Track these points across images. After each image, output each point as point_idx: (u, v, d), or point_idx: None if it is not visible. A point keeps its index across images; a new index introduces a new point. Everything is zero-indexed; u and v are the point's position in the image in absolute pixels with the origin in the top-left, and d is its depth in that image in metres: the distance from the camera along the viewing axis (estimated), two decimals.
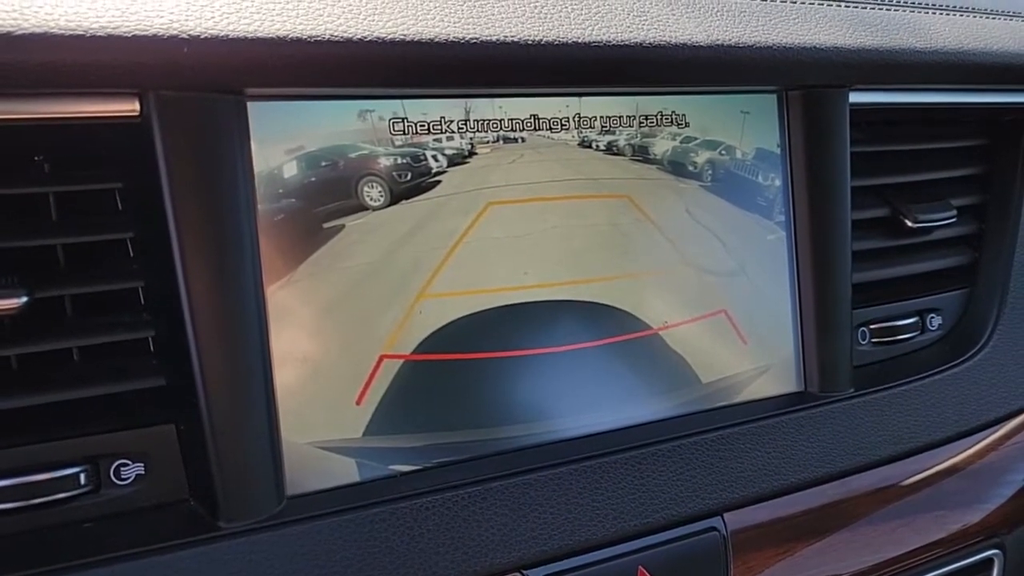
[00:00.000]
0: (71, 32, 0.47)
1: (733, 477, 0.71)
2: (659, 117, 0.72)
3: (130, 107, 0.53)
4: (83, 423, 0.56)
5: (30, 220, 0.55)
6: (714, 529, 0.69)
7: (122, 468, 0.57)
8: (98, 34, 0.48)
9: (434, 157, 0.64)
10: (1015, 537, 0.88)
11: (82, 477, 0.55)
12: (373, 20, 0.55)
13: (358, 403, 0.62)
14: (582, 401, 0.69)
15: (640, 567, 0.66)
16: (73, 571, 0.52)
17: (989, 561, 0.85)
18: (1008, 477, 0.88)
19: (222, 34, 0.51)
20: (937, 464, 0.83)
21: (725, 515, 0.70)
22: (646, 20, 0.65)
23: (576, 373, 0.69)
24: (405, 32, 0.56)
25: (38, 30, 0.47)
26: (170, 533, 0.55)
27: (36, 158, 0.55)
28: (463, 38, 0.58)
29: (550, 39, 0.60)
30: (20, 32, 0.46)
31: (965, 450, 0.85)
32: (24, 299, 0.52)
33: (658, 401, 0.72)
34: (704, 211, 0.74)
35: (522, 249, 0.67)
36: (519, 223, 0.67)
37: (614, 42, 0.63)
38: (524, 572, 0.62)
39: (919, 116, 0.90)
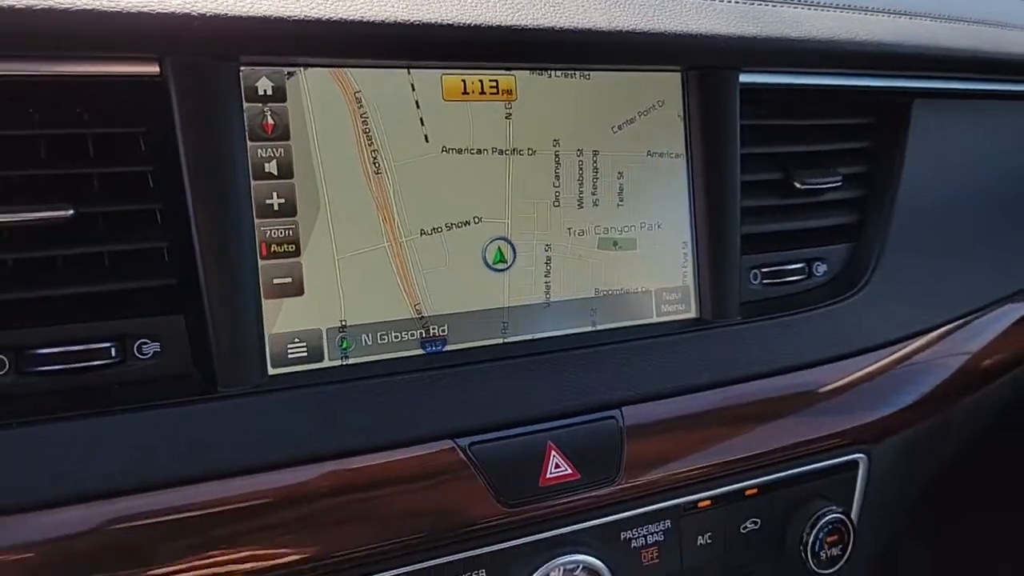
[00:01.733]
0: (111, 9, 0.62)
1: (632, 379, 0.85)
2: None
3: (152, 70, 0.68)
4: (113, 311, 0.70)
5: (74, 155, 0.70)
6: (612, 419, 0.83)
7: (143, 346, 0.71)
8: (131, 10, 0.63)
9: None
10: (881, 447, 1.01)
11: (112, 350, 0.70)
12: (338, 5, 0.70)
13: (326, 300, 0.76)
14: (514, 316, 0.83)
15: (549, 442, 0.80)
16: (107, 415, 0.66)
17: (855, 463, 0.98)
18: (879, 399, 1.00)
19: (221, 12, 0.66)
20: (813, 381, 0.95)
21: (623, 408, 0.83)
22: (569, 10, 0.79)
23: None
24: (362, 15, 0.70)
25: (88, 6, 0.61)
26: (180, 394, 0.70)
27: (78, 109, 0.70)
28: (408, 20, 0.72)
29: (480, 23, 0.75)
30: (76, 8, 0.61)
31: (841, 372, 0.98)
32: (71, 212, 0.67)
33: (577, 318, 0.86)
34: (624, 161, 0.88)
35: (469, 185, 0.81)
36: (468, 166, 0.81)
37: (539, 26, 0.77)
38: (455, 440, 0.76)
39: (814, 96, 1.03)
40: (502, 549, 0.78)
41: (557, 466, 0.78)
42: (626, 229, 0.89)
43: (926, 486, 1.13)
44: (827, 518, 0.91)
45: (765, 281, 0.99)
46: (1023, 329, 1.17)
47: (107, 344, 0.69)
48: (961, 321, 1.10)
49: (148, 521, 0.65)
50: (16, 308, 0.66)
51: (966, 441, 1.14)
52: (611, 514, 0.83)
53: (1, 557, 0.61)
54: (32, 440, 0.63)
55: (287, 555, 0.69)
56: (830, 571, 0.93)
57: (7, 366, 0.66)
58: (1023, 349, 1.18)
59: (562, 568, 0.79)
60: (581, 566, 0.80)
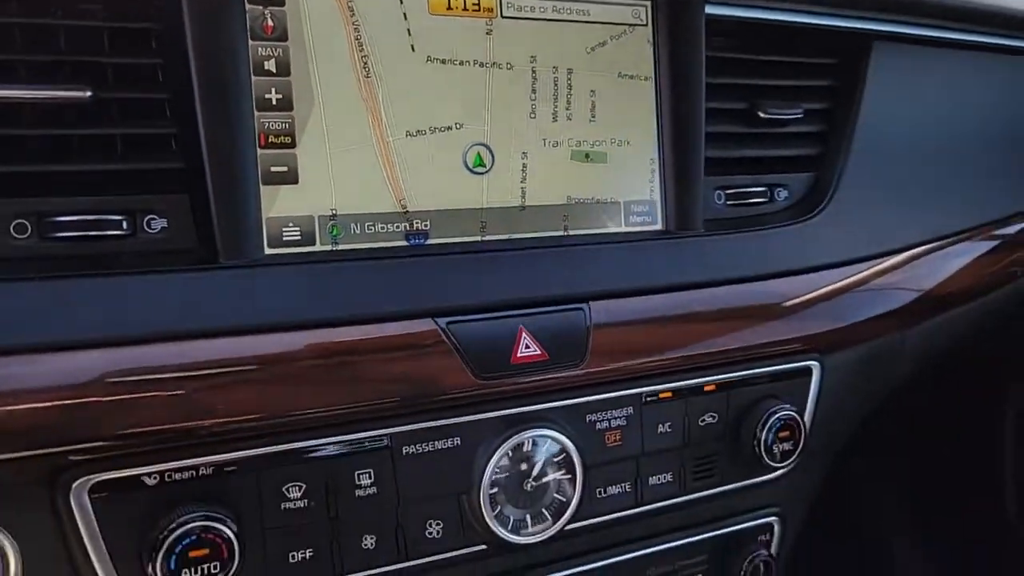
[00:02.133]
0: None
1: (600, 277, 0.91)
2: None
3: None
4: (124, 188, 0.77)
5: (92, 46, 0.77)
6: (580, 310, 0.90)
7: (151, 221, 0.78)
8: None
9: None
10: (835, 357, 1.08)
11: (124, 223, 0.76)
12: None
13: (318, 190, 0.83)
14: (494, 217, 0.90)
15: (521, 326, 0.86)
16: (118, 276, 0.73)
17: (808, 369, 1.05)
18: (834, 312, 1.06)
19: None
20: (772, 291, 1.01)
21: (591, 303, 0.90)
22: None
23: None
24: None
25: None
26: (184, 264, 0.77)
27: (95, 4, 0.77)
28: None
29: None
30: None
31: (798, 285, 1.04)
32: (88, 94, 0.74)
33: (550, 222, 0.93)
34: (597, 81, 0.94)
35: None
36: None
37: None
38: (434, 319, 0.83)
39: (780, 33, 1.09)
40: (476, 420, 0.85)
41: (527, 347, 0.85)
42: (597, 143, 0.96)
43: (878, 404, 1.19)
44: (780, 415, 0.98)
45: (729, 202, 1.05)
46: (980, 266, 1.24)
47: (119, 217, 0.76)
48: (919, 251, 1.16)
49: (150, 368, 0.71)
50: (37, 179, 0.73)
51: (919, 365, 1.20)
52: (577, 397, 0.90)
53: (17, 387, 0.67)
54: (50, 292, 0.70)
55: (272, 408, 0.75)
56: (782, 465, 1.00)
57: (29, 230, 0.73)
58: (979, 285, 1.25)
59: (531, 440, 0.86)
60: (549, 441, 0.87)
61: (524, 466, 0.87)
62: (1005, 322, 1.40)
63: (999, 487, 1.98)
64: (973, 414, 1.99)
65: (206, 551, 0.72)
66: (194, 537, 0.72)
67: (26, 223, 0.73)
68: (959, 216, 1.21)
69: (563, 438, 0.87)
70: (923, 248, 1.16)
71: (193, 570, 0.72)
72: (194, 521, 0.72)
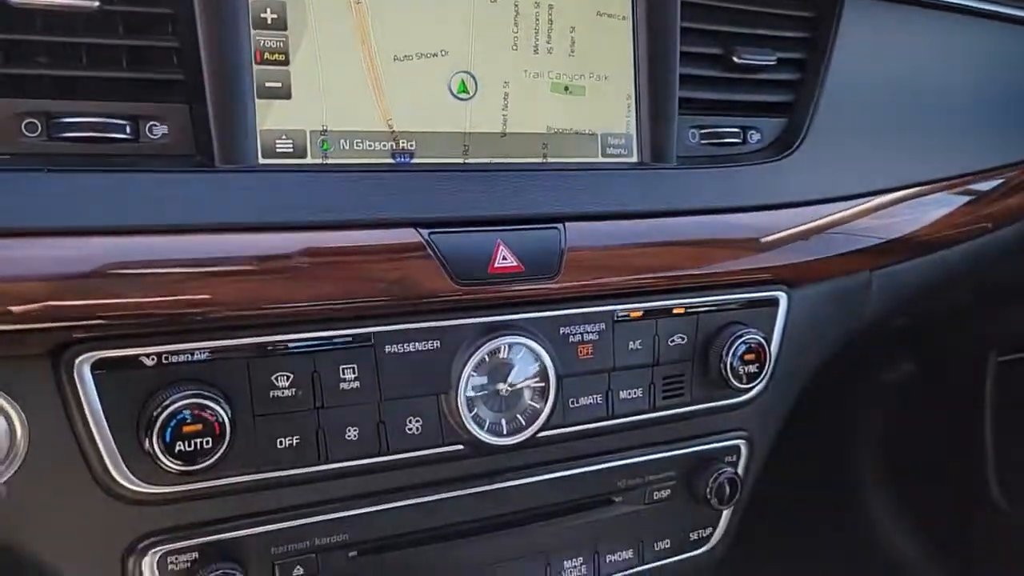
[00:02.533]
0: None
1: (576, 200, 0.95)
2: None
3: None
4: (129, 95, 0.82)
5: None
6: (556, 229, 0.94)
7: (153, 127, 0.83)
8: None
9: None
10: (803, 291, 1.12)
11: (127, 128, 0.81)
12: None
13: (310, 106, 0.88)
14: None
15: (498, 240, 0.91)
16: (121, 172, 0.78)
17: (775, 299, 1.10)
18: (803, 247, 1.11)
19: None
20: (743, 223, 1.06)
21: (566, 223, 0.95)
22: None
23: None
24: None
25: None
26: (185, 167, 0.82)
27: None
28: None
29: None
30: None
31: (769, 220, 1.08)
32: (96, 4, 0.79)
33: (529, 149, 0.98)
34: (576, 18, 0.99)
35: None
36: None
37: None
38: (417, 228, 0.88)
39: None
40: (454, 325, 0.90)
41: (504, 258, 0.90)
42: (576, 77, 1.01)
43: (844, 342, 1.23)
44: (746, 339, 1.02)
45: (703, 141, 1.10)
46: (951, 216, 1.28)
47: (123, 122, 0.81)
48: (890, 197, 1.20)
49: (149, 256, 0.77)
50: (48, 81, 0.78)
51: (886, 307, 1.25)
52: (552, 310, 0.94)
53: (26, 266, 0.72)
54: (58, 183, 0.75)
55: (263, 300, 0.80)
56: (748, 387, 1.04)
57: (39, 129, 0.78)
58: (949, 235, 1.29)
59: (507, 347, 0.91)
60: (524, 349, 0.92)
61: (500, 372, 0.91)
62: (973, 279, 1.44)
63: (979, 455, 2.02)
64: (955, 382, 2.03)
65: (199, 427, 0.77)
66: (188, 413, 0.77)
67: (36, 122, 0.78)
68: (932, 166, 1.25)
69: (537, 347, 0.92)
70: (895, 195, 1.20)
71: (187, 444, 0.77)
72: (188, 399, 0.77)
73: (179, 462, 0.77)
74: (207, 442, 0.78)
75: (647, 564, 1.08)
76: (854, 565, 2.23)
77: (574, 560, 1.03)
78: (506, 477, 0.97)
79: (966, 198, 1.29)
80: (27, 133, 0.78)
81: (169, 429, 0.76)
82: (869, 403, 2.20)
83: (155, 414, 0.76)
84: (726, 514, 1.13)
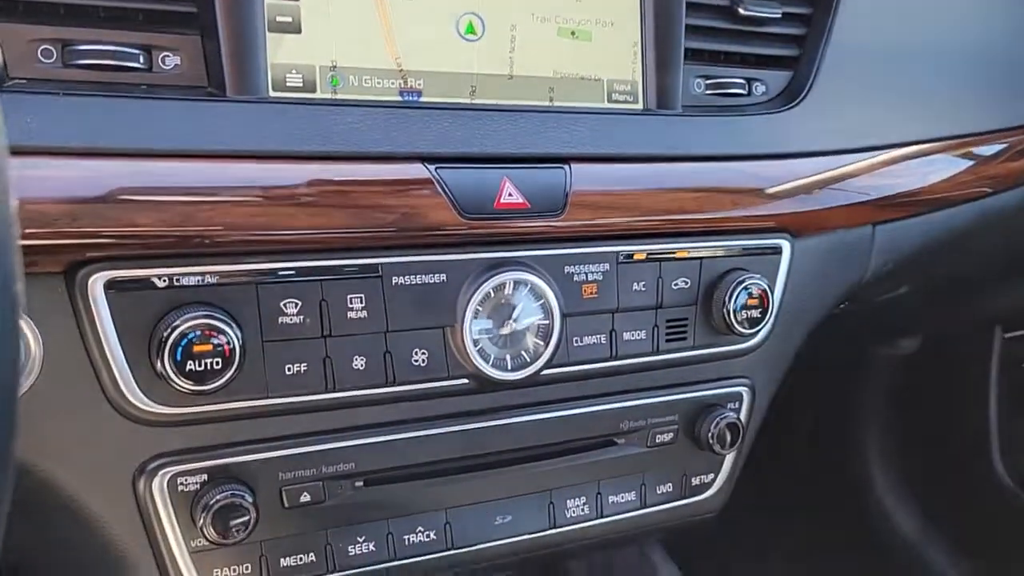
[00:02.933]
0: None
1: (581, 142, 0.96)
2: None
3: None
4: (143, 26, 0.84)
5: None
6: (561, 169, 0.95)
7: (166, 58, 0.84)
8: None
9: None
10: (806, 241, 1.13)
11: (140, 58, 0.83)
12: None
13: (320, 42, 0.89)
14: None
15: (504, 177, 0.92)
16: (135, 99, 0.80)
17: (779, 247, 1.10)
18: (807, 197, 1.12)
19: None
20: (747, 171, 1.06)
21: (572, 164, 0.96)
22: None
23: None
24: None
25: None
26: (197, 96, 0.83)
27: None
28: None
29: None
30: None
31: (773, 168, 1.08)
32: None
33: (536, 93, 0.99)
34: None
35: None
36: None
37: None
38: (424, 163, 0.89)
39: None
40: (461, 259, 0.91)
41: (510, 194, 0.91)
42: (583, 23, 1.01)
43: (846, 296, 1.24)
44: (749, 284, 1.03)
45: (708, 91, 1.11)
46: (954, 176, 1.29)
47: (136, 51, 0.82)
48: (895, 153, 1.20)
49: (162, 180, 0.78)
50: (63, 9, 0.80)
51: (887, 263, 1.25)
52: (557, 248, 0.95)
53: (40, 185, 0.74)
54: (73, 105, 0.76)
55: (273, 225, 0.82)
56: (751, 332, 1.05)
57: (55, 56, 0.79)
58: (951, 194, 1.30)
59: (512, 283, 0.92)
60: (529, 285, 0.93)
61: (505, 308, 0.92)
62: (975, 244, 1.45)
63: (983, 434, 2.02)
64: (960, 358, 2.04)
65: (209, 347, 0.79)
66: (198, 334, 0.78)
67: (51, 49, 0.79)
68: (936, 125, 1.26)
69: (542, 284, 0.93)
70: (898, 152, 1.21)
71: (197, 364, 0.78)
72: (199, 319, 0.78)
73: (190, 382, 0.79)
74: (217, 363, 0.79)
75: (649, 507, 1.09)
76: (854, 535, 2.24)
77: (576, 499, 1.04)
78: (510, 414, 0.98)
79: (969, 160, 1.30)
80: (43, 59, 0.79)
81: (180, 349, 0.78)
82: (872, 378, 2.21)
83: (166, 334, 0.78)
84: (728, 461, 1.14)
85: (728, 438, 1.08)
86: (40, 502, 0.83)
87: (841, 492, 2.31)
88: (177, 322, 0.78)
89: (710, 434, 1.07)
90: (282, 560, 0.90)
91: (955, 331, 2.09)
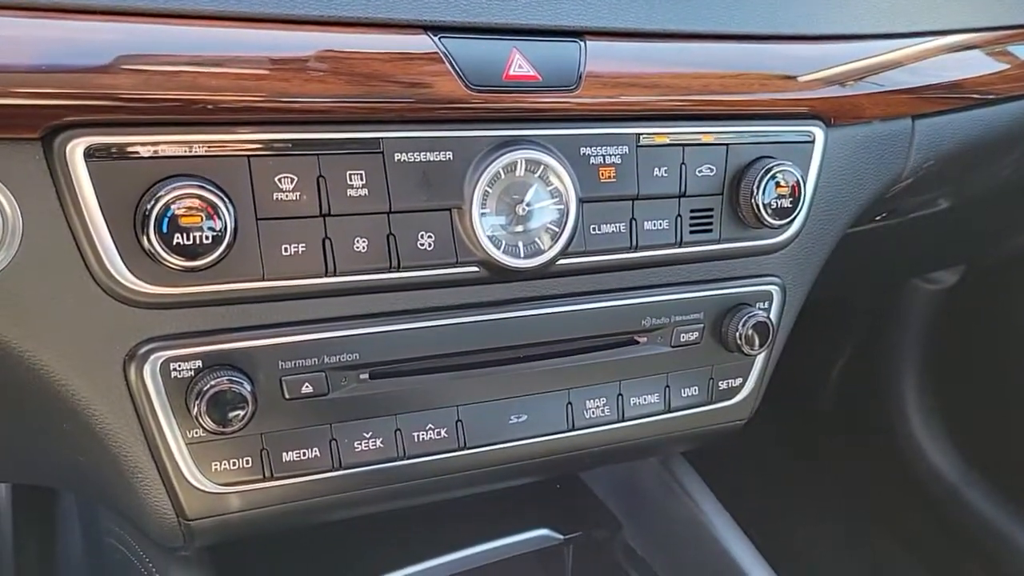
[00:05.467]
0: None
1: (599, 15, 0.88)
2: None
3: None
4: None
5: None
6: (575, 42, 0.88)
7: None
8: None
9: None
10: (839, 132, 1.04)
11: None
12: None
13: None
14: None
15: (514, 47, 0.85)
16: None
17: (811, 136, 1.02)
18: (841, 82, 1.02)
19: None
20: (779, 52, 0.98)
21: (587, 37, 0.88)
22: None
23: None
24: None
25: None
26: None
27: None
28: None
29: None
30: None
31: (806, 50, 1.01)
32: None
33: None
34: None
35: None
36: None
37: None
38: (427, 31, 0.82)
39: None
40: (468, 136, 0.84)
41: (520, 66, 0.84)
42: None
43: (881, 195, 1.16)
44: (780, 172, 0.95)
45: None
46: (1004, 68, 1.20)
47: None
48: (943, 42, 1.11)
49: (147, 44, 0.72)
50: None
51: (925, 161, 1.17)
52: (571, 128, 0.88)
53: (30, 43, 0.68)
54: None
55: (269, 90, 0.75)
56: (781, 224, 0.98)
57: None
58: (998, 87, 1.20)
59: (523, 162, 0.85)
60: (542, 166, 0.86)
61: (517, 190, 0.86)
62: (1016, 151, 1.35)
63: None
64: (999, 292, 1.94)
65: (198, 219, 0.73)
66: (186, 205, 0.72)
67: None
68: (986, 13, 1.17)
69: (556, 164, 0.86)
70: (944, 40, 1.12)
71: (185, 237, 0.73)
72: (185, 190, 0.73)
73: (179, 258, 0.73)
74: (207, 237, 0.73)
75: (674, 412, 1.02)
76: (888, 474, 2.17)
77: (596, 401, 0.98)
78: (524, 306, 0.92)
79: (1018, 53, 1.20)
80: None
81: (166, 220, 0.72)
82: (909, 314, 2.12)
83: (150, 206, 0.72)
84: (758, 365, 1.07)
85: (758, 337, 1.01)
86: (26, 390, 0.78)
87: (875, 430, 2.24)
88: (162, 192, 0.72)
89: (738, 334, 1.00)
90: (284, 454, 0.84)
91: (995, 262, 2.00)
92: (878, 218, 1.39)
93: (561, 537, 1.20)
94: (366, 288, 0.84)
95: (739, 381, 1.06)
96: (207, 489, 0.83)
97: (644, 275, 0.98)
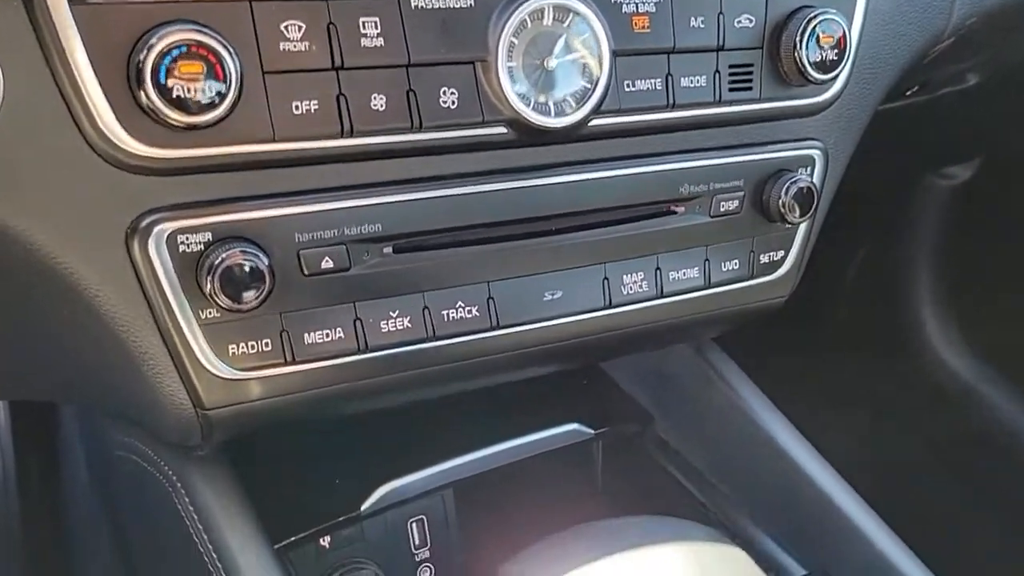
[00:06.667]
0: None
1: None
2: None
3: None
4: None
5: None
6: None
7: None
8: None
9: None
10: None
11: None
12: None
13: None
14: None
15: None
16: None
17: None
18: None
19: None
20: None
21: None
22: None
23: None
24: None
25: None
26: None
27: None
28: None
29: None
30: None
31: None
32: None
33: None
34: None
35: None
36: None
37: None
38: None
39: None
40: None
41: None
42: None
43: (923, 51, 1.07)
44: (825, 19, 0.87)
45: None
46: None
47: None
48: None
49: None
50: None
51: (971, 16, 1.08)
52: None
53: None
54: None
55: None
56: (827, 78, 0.90)
57: None
58: None
59: (551, 8, 0.77)
60: (572, 14, 0.78)
61: (545, 41, 0.78)
62: None
63: None
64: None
65: (198, 67, 0.65)
66: (184, 49, 0.64)
67: None
68: None
69: (586, 10, 0.78)
70: None
71: (185, 88, 0.65)
72: (182, 34, 0.64)
73: (179, 112, 0.65)
74: (209, 88, 0.65)
75: (714, 288, 0.95)
76: (906, 375, 2.13)
77: (634, 276, 0.91)
78: (556, 172, 0.84)
79: None
80: None
81: (163, 69, 0.64)
82: (924, 210, 2.06)
83: (144, 55, 0.64)
84: (799, 236, 1.00)
85: (800, 205, 0.93)
86: (25, 274, 0.70)
87: (891, 332, 2.19)
88: (156, 39, 0.64)
89: (780, 201, 0.93)
90: (306, 336, 0.77)
91: (1013, 155, 1.92)
92: (909, 93, 1.32)
93: (591, 432, 1.13)
94: (386, 151, 0.76)
95: (780, 254, 0.99)
96: (225, 375, 0.76)
97: (681, 139, 0.90)
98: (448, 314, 0.83)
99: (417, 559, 1.07)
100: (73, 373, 0.91)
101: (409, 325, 0.81)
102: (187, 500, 0.88)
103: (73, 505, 1.37)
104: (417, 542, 1.08)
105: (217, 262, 0.70)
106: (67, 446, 1.36)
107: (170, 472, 0.91)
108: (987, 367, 2.04)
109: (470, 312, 0.84)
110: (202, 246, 0.72)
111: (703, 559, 0.82)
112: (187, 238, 0.71)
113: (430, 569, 1.08)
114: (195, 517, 0.87)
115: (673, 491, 1.14)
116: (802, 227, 0.99)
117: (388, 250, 0.79)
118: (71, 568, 1.31)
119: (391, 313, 0.81)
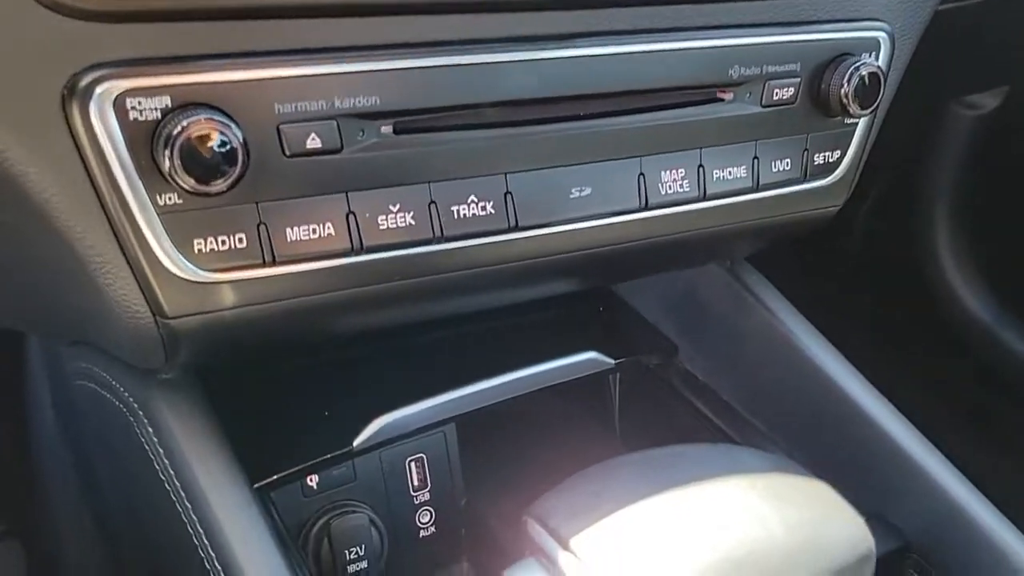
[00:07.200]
0: None
1: None
2: None
3: None
4: None
5: None
6: None
7: None
8: None
9: None
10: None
11: None
12: None
13: None
14: None
15: None
16: None
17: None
18: None
19: None
20: None
21: None
22: None
23: None
24: None
25: None
26: None
27: None
28: None
29: None
30: None
31: None
32: None
33: None
34: None
35: None
36: None
37: None
38: None
39: None
40: None
41: None
42: None
43: None
44: None
45: None
46: None
47: None
48: None
49: None
50: None
51: None
52: None
53: None
54: None
55: None
56: None
57: None
58: None
59: None
60: None
61: None
62: None
63: None
64: None
65: None
66: None
67: None
68: None
69: None
70: None
71: None
72: None
73: None
74: None
75: (762, 191, 0.82)
76: (922, 314, 2.03)
77: (674, 172, 0.77)
78: (587, 42, 0.70)
79: None
80: None
81: None
82: (947, 142, 1.95)
83: None
84: (858, 136, 0.87)
85: (863, 96, 0.80)
86: None
87: (905, 271, 2.09)
88: None
89: (843, 89, 0.80)
90: (289, 231, 0.64)
91: None
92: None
93: (611, 361, 1.01)
94: (387, 4, 0.61)
95: (837, 155, 0.86)
96: (189, 277, 0.62)
97: (732, 9, 0.76)
98: (459, 210, 0.69)
99: (416, 502, 0.95)
100: (19, 289, 0.77)
101: (412, 222, 0.68)
102: (150, 431, 0.75)
103: (37, 442, 1.24)
104: (416, 483, 0.95)
105: (176, 131, 0.56)
106: (33, 378, 1.23)
107: (130, 399, 0.78)
108: (1006, 310, 1.96)
109: (484, 209, 0.70)
110: (159, 113, 0.57)
111: (784, 494, 0.70)
112: (139, 102, 0.57)
113: (430, 513, 0.95)
114: (160, 451, 0.74)
115: (702, 427, 1.02)
116: (862, 124, 0.86)
117: (387, 129, 0.66)
118: (43, 507, 1.18)
119: (391, 207, 0.67)
